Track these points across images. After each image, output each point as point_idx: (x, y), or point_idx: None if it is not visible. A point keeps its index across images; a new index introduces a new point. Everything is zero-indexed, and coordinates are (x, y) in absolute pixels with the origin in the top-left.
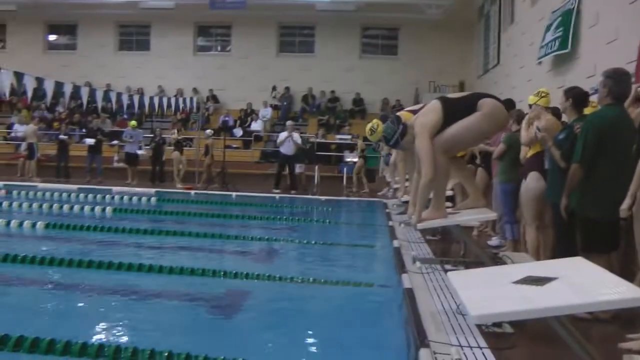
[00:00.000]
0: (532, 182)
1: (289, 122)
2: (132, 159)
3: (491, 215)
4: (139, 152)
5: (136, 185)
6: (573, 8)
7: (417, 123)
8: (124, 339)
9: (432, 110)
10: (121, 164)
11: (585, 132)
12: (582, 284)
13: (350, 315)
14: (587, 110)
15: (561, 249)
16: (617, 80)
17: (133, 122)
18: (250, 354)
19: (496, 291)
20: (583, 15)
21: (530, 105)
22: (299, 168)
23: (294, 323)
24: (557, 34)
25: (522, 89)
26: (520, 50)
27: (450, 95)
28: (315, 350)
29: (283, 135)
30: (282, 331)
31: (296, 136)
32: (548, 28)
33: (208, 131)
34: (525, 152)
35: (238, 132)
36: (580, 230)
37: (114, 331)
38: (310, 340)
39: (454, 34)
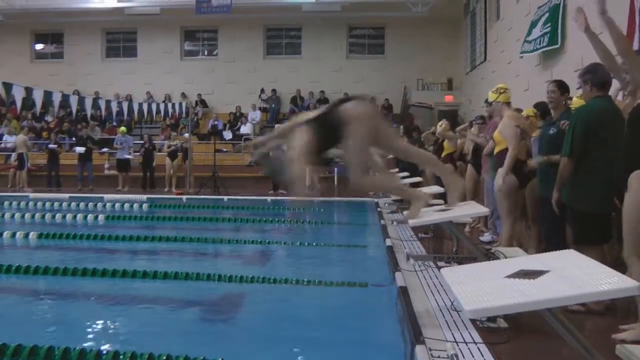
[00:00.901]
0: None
1: (276, 126)
2: (123, 165)
3: (483, 210)
4: (128, 156)
5: (127, 192)
6: (560, 3)
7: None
8: (122, 345)
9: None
10: (112, 172)
11: (573, 125)
12: (574, 276)
13: (346, 315)
14: (574, 104)
15: (552, 242)
16: (594, 71)
17: (122, 128)
18: (246, 356)
19: (489, 286)
20: (569, 9)
21: (490, 103)
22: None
23: (288, 324)
24: (546, 30)
25: (510, 85)
26: (507, 46)
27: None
28: (311, 351)
29: None
30: (278, 332)
31: None
32: (534, 23)
33: (185, 135)
34: (491, 149)
35: (228, 135)
36: (572, 223)
37: (111, 338)
38: (305, 341)
39: (441, 31)
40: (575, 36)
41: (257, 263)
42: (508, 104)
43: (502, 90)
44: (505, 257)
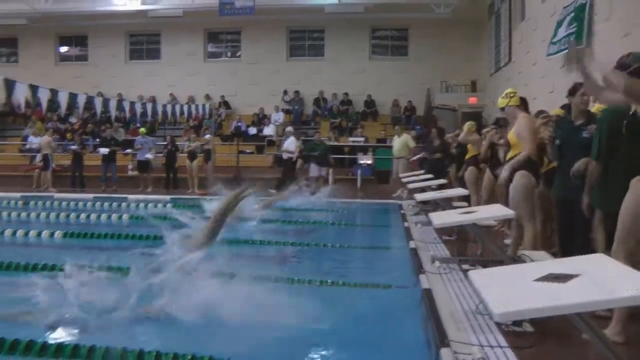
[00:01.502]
0: (521, 180)
1: (288, 128)
2: (144, 166)
3: (509, 213)
4: (148, 156)
5: (150, 193)
6: (586, 2)
7: None
8: (150, 342)
9: None
10: (135, 172)
11: (599, 128)
12: (604, 281)
13: (369, 317)
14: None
15: (575, 246)
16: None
17: (142, 130)
18: (273, 356)
19: (518, 289)
20: (597, 9)
21: (502, 109)
22: (318, 171)
23: (311, 325)
24: (571, 30)
25: (535, 86)
26: (532, 47)
27: None
28: (334, 352)
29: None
30: (300, 333)
31: (287, 143)
32: (560, 23)
33: (207, 136)
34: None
35: (252, 130)
36: (605, 226)
37: (138, 335)
38: (328, 343)
39: (465, 32)
40: (602, 36)
41: (279, 264)
42: (519, 106)
43: (511, 95)
44: (532, 261)
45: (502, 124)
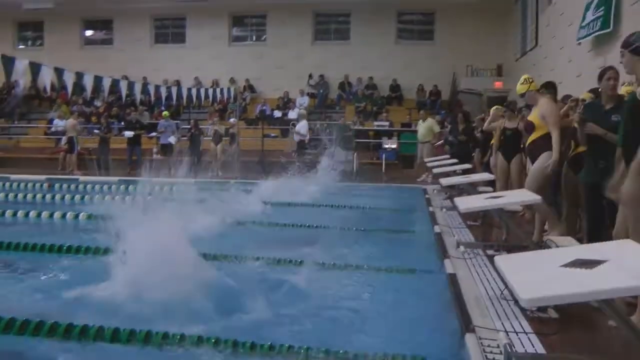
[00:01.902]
0: (541, 160)
1: (301, 111)
2: (167, 149)
3: (535, 198)
4: (171, 139)
5: (174, 176)
6: None
7: None
8: (186, 325)
9: None
10: (159, 156)
11: (624, 115)
12: (632, 267)
13: (394, 301)
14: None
15: (604, 231)
16: None
17: (165, 113)
18: (300, 339)
19: (545, 275)
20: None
21: (522, 95)
22: (345, 156)
23: (336, 308)
24: (598, 14)
25: (561, 71)
26: (559, 31)
27: None
28: (357, 337)
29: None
30: (325, 316)
31: (299, 126)
32: (588, 7)
33: (232, 120)
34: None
35: (277, 114)
36: None
37: (168, 317)
38: (352, 327)
39: (491, 16)
40: (629, 20)
41: (304, 247)
42: (538, 90)
43: (530, 80)
44: (557, 247)
45: (512, 108)
